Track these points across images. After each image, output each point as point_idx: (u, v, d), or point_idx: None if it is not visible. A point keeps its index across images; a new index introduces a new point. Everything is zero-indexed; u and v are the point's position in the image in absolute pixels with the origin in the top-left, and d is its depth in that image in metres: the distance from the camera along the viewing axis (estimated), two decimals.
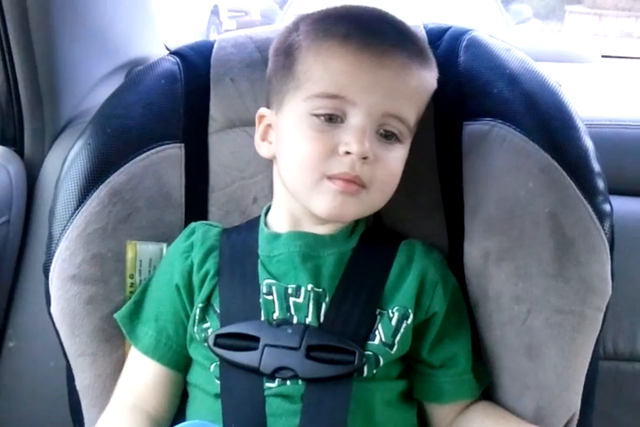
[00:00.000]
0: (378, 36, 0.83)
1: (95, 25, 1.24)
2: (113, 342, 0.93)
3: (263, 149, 0.91)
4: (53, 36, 1.14)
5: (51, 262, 0.93)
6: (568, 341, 0.86)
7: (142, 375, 0.89)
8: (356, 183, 0.81)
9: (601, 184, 0.89)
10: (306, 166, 0.82)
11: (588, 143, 0.90)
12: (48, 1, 1.12)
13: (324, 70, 0.82)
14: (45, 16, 1.12)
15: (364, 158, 0.80)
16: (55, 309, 0.93)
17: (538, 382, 0.87)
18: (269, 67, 0.91)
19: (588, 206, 0.87)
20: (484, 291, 0.90)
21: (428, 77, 0.87)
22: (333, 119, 0.82)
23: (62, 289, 0.92)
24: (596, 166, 0.90)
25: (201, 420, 0.76)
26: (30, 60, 1.13)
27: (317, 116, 0.82)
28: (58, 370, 0.98)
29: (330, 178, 0.81)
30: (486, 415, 0.87)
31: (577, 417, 0.89)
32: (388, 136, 0.84)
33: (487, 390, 0.90)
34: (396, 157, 0.85)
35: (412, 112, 0.85)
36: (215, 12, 5.97)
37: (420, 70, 0.85)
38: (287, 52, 0.86)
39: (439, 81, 0.90)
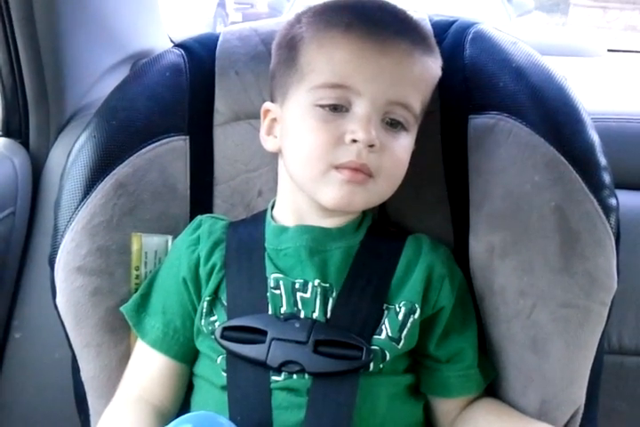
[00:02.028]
0: (380, 25, 0.83)
1: (100, 17, 1.24)
2: (118, 333, 0.93)
3: (269, 144, 0.91)
4: (58, 29, 1.14)
5: (56, 254, 0.94)
6: (573, 335, 0.86)
7: (149, 368, 0.89)
8: (363, 172, 0.81)
9: (607, 178, 0.89)
10: (312, 157, 0.82)
11: (594, 137, 0.90)
12: None
13: (327, 61, 0.82)
14: (50, 9, 1.12)
15: (371, 146, 0.80)
16: (60, 300, 0.93)
17: (543, 375, 0.87)
18: (272, 61, 0.91)
19: (594, 200, 0.87)
20: (489, 285, 0.90)
21: (431, 64, 0.87)
22: (338, 109, 0.82)
23: (67, 281, 0.93)
24: (602, 160, 0.89)
25: (206, 411, 0.76)
26: (35, 53, 1.12)
27: (322, 106, 0.82)
28: (63, 361, 0.98)
29: (337, 168, 0.81)
30: (489, 411, 0.87)
31: (581, 411, 0.89)
32: (393, 124, 0.84)
33: (492, 384, 0.90)
34: (402, 145, 0.85)
35: (416, 99, 0.85)
36: (221, 4, 5.99)
37: (424, 57, 0.85)
38: (290, 45, 0.86)
39: (445, 74, 0.90)
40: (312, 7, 0.89)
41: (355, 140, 0.80)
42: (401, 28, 0.84)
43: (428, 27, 0.98)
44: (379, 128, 0.82)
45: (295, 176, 0.86)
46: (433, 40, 0.89)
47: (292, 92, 0.85)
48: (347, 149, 0.81)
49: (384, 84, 0.81)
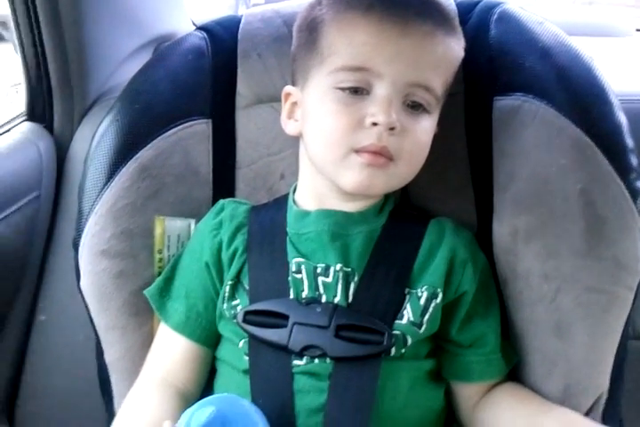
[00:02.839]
0: (401, 6, 0.81)
1: (122, 1, 1.24)
2: (141, 315, 0.94)
3: (290, 127, 0.90)
4: (81, 13, 1.14)
5: (80, 237, 0.94)
6: (598, 320, 0.85)
7: (172, 351, 0.90)
8: (383, 155, 0.80)
9: (634, 161, 0.87)
10: (333, 141, 0.81)
11: (622, 119, 0.88)
12: None
13: (347, 43, 0.81)
14: None
15: (392, 129, 0.79)
16: (85, 283, 0.94)
17: (566, 361, 0.86)
18: (293, 44, 0.91)
19: (621, 183, 0.85)
20: (512, 269, 0.89)
21: (454, 46, 0.85)
22: (359, 92, 0.81)
23: (92, 264, 0.93)
24: (630, 142, 0.88)
25: (229, 394, 0.76)
26: (59, 37, 1.13)
27: (342, 89, 0.81)
28: (87, 344, 0.99)
29: (357, 151, 0.81)
30: (512, 395, 0.87)
31: (605, 397, 0.88)
32: (414, 107, 0.83)
33: (514, 369, 0.89)
34: (423, 128, 0.84)
35: (438, 81, 0.83)
36: None
37: (446, 38, 0.83)
38: (310, 28, 0.86)
39: (469, 55, 0.88)
40: None
41: (375, 124, 0.79)
42: (423, 9, 0.83)
43: (452, 7, 0.96)
44: (399, 111, 0.81)
45: (315, 160, 0.86)
46: (456, 21, 0.88)
47: (312, 75, 0.84)
48: (367, 133, 0.80)
49: (404, 66, 0.80)
